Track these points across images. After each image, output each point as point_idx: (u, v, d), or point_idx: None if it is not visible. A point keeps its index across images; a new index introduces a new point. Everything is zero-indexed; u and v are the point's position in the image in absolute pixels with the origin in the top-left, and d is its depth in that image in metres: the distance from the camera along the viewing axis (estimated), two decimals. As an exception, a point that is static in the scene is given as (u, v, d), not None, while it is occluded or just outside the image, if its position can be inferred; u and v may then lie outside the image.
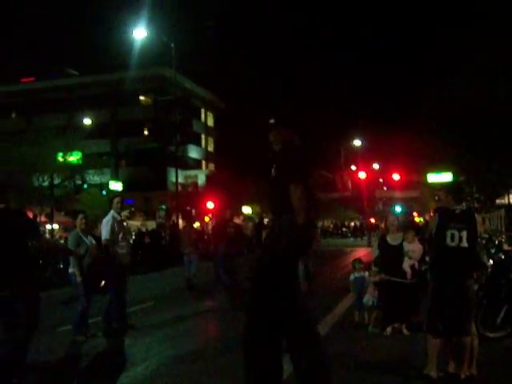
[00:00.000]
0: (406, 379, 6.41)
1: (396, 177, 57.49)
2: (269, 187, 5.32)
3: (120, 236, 9.65)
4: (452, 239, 6.25)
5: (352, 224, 71.55)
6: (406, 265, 8.71)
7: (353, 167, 73.09)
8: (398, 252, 8.78)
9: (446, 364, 6.48)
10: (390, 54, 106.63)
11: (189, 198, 48.15)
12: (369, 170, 68.51)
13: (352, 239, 54.29)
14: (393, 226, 9.15)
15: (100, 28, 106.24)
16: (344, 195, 73.79)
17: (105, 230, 9.55)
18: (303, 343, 4.88)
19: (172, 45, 31.23)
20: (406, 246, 8.82)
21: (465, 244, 6.24)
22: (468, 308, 6.30)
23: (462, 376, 6.22)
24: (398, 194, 66.18)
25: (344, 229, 68.09)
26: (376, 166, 70.72)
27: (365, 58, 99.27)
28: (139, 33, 29.53)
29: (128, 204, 48.98)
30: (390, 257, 8.94)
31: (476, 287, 6.77)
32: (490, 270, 8.39)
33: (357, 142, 67.13)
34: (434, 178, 37.30)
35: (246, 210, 57.24)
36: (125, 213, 46.45)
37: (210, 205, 43.91)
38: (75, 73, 60.22)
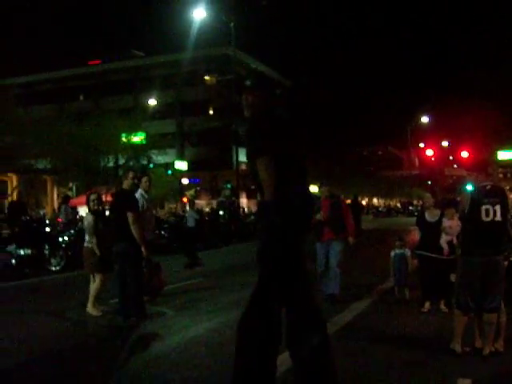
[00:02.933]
0: (432, 353, 6.45)
1: (464, 154, 56.08)
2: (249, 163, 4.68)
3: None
4: (487, 214, 6.25)
5: (420, 202, 70.53)
6: (443, 241, 8.67)
7: (421, 145, 71.90)
8: (436, 229, 8.74)
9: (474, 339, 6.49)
10: (462, 29, 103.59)
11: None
12: (437, 148, 67.27)
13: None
14: (428, 203, 9.16)
15: (164, 9, 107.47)
16: (411, 173, 72.83)
17: None
18: (305, 332, 4.41)
19: (231, 24, 31.38)
20: (445, 222, 8.78)
21: (499, 218, 6.24)
22: (497, 284, 6.27)
23: (487, 351, 6.20)
24: (468, 172, 64.68)
25: (411, 207, 67.07)
26: (445, 144, 69.17)
27: (437, 33, 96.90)
28: (199, 13, 29.79)
29: (194, 183, 49.89)
30: (427, 233, 8.94)
31: (506, 264, 6.72)
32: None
33: (424, 119, 65.78)
34: (504, 155, 36.35)
35: (313, 188, 57.20)
36: (191, 192, 47.21)
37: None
38: (141, 54, 61.19)
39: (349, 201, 58.57)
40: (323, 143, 57.57)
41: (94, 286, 9.22)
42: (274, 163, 4.36)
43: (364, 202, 77.41)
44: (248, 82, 4.75)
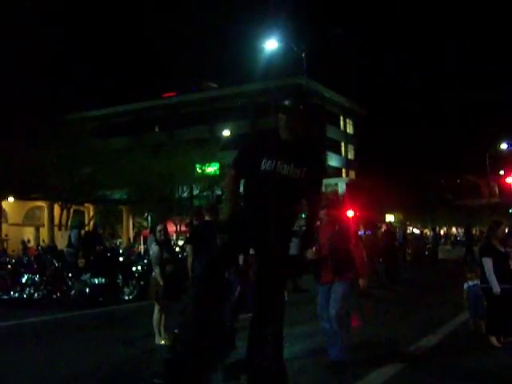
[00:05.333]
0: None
1: (543, 181, 54.05)
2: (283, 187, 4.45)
3: None
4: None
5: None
6: None
7: (501, 172, 69.84)
8: (507, 258, 8.50)
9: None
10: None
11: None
12: (518, 175, 65.14)
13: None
14: (502, 232, 8.80)
15: (236, 41, 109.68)
16: (491, 201, 70.69)
17: None
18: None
19: (303, 54, 31.47)
20: None
21: None
22: None
23: None
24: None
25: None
26: (527, 170, 66.85)
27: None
28: (271, 44, 30.06)
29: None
30: (501, 263, 8.55)
31: None
32: None
33: (503, 146, 63.79)
34: None
35: (389, 217, 56.32)
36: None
37: (350, 213, 43.48)
38: (214, 86, 62.24)
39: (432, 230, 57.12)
40: (401, 172, 56.90)
41: (154, 315, 9.40)
42: (237, 181, 4.45)
43: (442, 232, 75.70)
44: (288, 102, 4.51)
